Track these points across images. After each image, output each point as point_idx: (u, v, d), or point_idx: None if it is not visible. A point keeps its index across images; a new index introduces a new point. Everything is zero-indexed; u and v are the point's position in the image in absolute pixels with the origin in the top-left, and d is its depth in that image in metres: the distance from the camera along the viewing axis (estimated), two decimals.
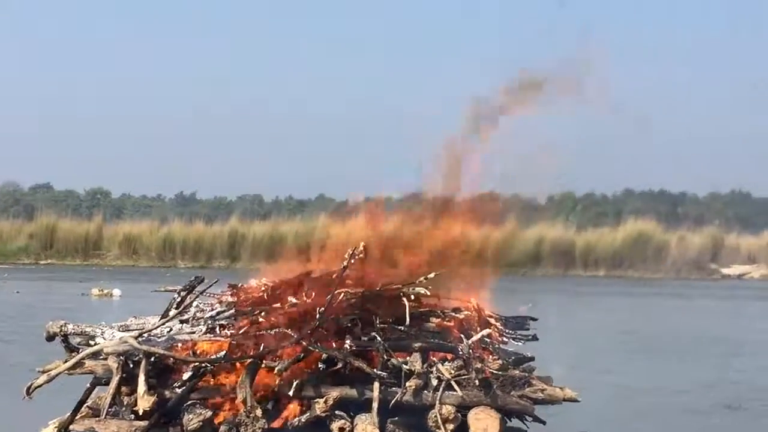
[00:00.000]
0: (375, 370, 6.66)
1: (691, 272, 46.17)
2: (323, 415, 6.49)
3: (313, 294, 7.19)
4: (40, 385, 6.74)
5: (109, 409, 6.70)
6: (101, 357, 6.84)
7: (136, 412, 6.65)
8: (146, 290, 13.80)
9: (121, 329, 7.25)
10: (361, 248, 7.67)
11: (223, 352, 6.77)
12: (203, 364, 6.72)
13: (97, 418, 6.75)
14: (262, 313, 7.11)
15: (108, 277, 34.24)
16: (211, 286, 7.53)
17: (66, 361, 6.89)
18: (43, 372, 6.83)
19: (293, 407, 6.68)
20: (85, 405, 6.92)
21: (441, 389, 6.69)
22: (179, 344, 6.95)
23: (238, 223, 50.53)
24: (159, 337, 6.94)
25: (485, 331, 7.19)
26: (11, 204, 62.92)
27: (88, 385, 6.94)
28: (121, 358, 6.70)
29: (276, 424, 6.61)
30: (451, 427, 6.65)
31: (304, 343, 6.65)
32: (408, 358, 6.85)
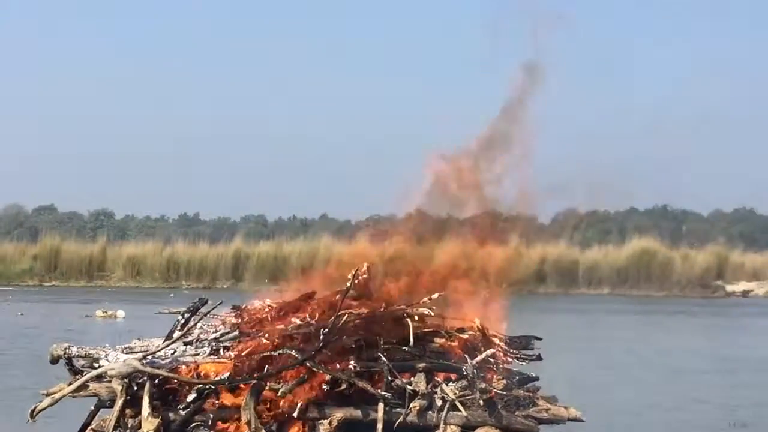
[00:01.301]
0: (379, 390, 6.64)
1: (695, 290, 46.08)
2: None
3: (317, 315, 7.18)
4: (43, 408, 6.73)
5: None
6: (105, 379, 6.81)
7: None
8: (150, 311, 13.80)
9: (125, 351, 7.23)
10: (365, 269, 7.68)
11: (227, 374, 6.75)
12: (207, 386, 6.70)
13: None
14: (266, 335, 7.10)
15: (112, 299, 34.22)
16: (215, 307, 7.52)
17: (70, 384, 6.87)
18: (47, 395, 6.82)
19: (298, 429, 6.66)
20: (89, 428, 6.90)
21: (445, 410, 6.68)
22: (183, 366, 6.93)
23: (242, 243, 50.50)
24: (163, 359, 6.93)
25: (489, 351, 7.18)
26: (15, 226, 62.93)
27: (92, 407, 6.92)
28: (126, 380, 6.68)
29: None
30: None
31: (308, 365, 6.63)
32: (412, 378, 6.84)
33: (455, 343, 7.30)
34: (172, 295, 8.45)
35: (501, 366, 7.26)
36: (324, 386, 6.69)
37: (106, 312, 27.11)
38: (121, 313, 26.89)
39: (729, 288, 46.53)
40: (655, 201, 59.41)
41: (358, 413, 6.66)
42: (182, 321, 7.43)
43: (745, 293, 45.90)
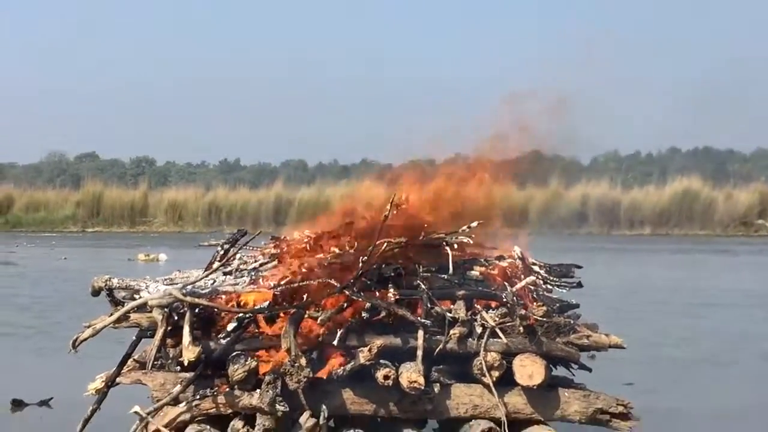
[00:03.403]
0: (419, 318, 6.63)
1: (737, 228, 45.79)
2: (368, 363, 6.46)
3: (356, 244, 7.17)
4: (85, 339, 6.76)
5: (155, 362, 6.70)
6: (146, 310, 6.84)
7: (181, 364, 6.66)
8: (192, 255, 13.90)
9: (165, 283, 7.26)
10: (404, 198, 7.65)
11: (267, 303, 6.76)
12: (247, 315, 6.72)
13: (143, 371, 6.77)
14: (305, 264, 7.10)
15: (154, 243, 34.52)
16: (253, 238, 7.53)
17: (111, 315, 6.90)
18: (89, 326, 6.85)
19: (338, 356, 6.67)
20: (131, 358, 6.94)
21: (485, 337, 6.64)
22: (223, 296, 6.95)
23: (283, 188, 50.60)
24: (203, 289, 6.94)
25: (529, 279, 7.15)
26: (57, 174, 63.43)
27: (134, 338, 6.96)
28: (166, 310, 6.69)
29: (321, 373, 6.60)
30: (496, 374, 6.61)
31: (347, 293, 6.63)
32: (452, 306, 6.81)
33: (495, 271, 7.27)
34: (212, 240, 8.49)
35: (541, 293, 7.23)
36: (363, 314, 6.67)
37: (148, 255, 27.37)
38: (163, 257, 27.14)
39: None
40: (697, 142, 58.90)
41: (397, 341, 6.65)
42: (221, 252, 7.45)
43: None
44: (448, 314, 6.71)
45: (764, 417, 9.44)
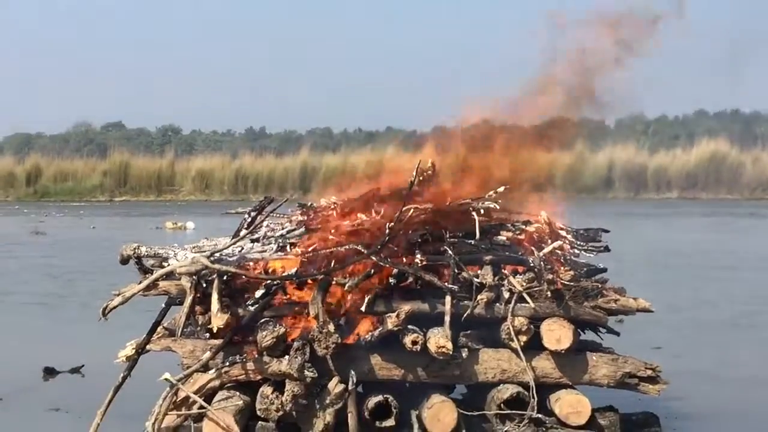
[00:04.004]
0: (446, 284, 6.64)
1: (766, 192, 45.52)
2: (396, 329, 6.48)
3: (382, 210, 7.18)
4: (115, 307, 6.80)
5: (184, 329, 6.74)
6: (175, 277, 6.87)
7: (210, 331, 6.70)
8: (219, 223, 13.97)
9: (193, 250, 7.29)
10: (430, 165, 7.66)
11: (295, 270, 6.78)
12: (275, 282, 6.75)
13: (173, 338, 6.82)
14: (332, 230, 7.11)
15: (181, 212, 34.64)
16: (280, 205, 7.54)
17: (140, 283, 6.94)
18: (118, 294, 6.90)
19: (366, 323, 6.69)
20: (160, 326, 6.99)
21: (513, 302, 6.65)
22: (251, 263, 6.98)
23: (309, 156, 50.61)
24: (231, 257, 6.97)
25: (556, 243, 7.13)
26: (85, 143, 63.63)
27: (163, 305, 7.00)
28: (194, 277, 6.72)
29: (349, 339, 6.63)
30: (524, 338, 6.62)
31: (374, 259, 6.64)
32: (479, 271, 6.82)
33: (522, 236, 7.26)
34: (240, 208, 8.53)
35: (568, 258, 7.22)
36: (391, 280, 6.69)
37: (175, 224, 27.49)
38: (190, 225, 27.25)
39: None
40: (725, 105, 58.43)
41: (425, 306, 6.67)
42: (249, 219, 7.47)
43: None
44: (476, 279, 6.71)
45: None
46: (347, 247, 6.83)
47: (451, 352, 6.43)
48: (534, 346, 6.66)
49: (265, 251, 7.11)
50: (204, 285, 6.77)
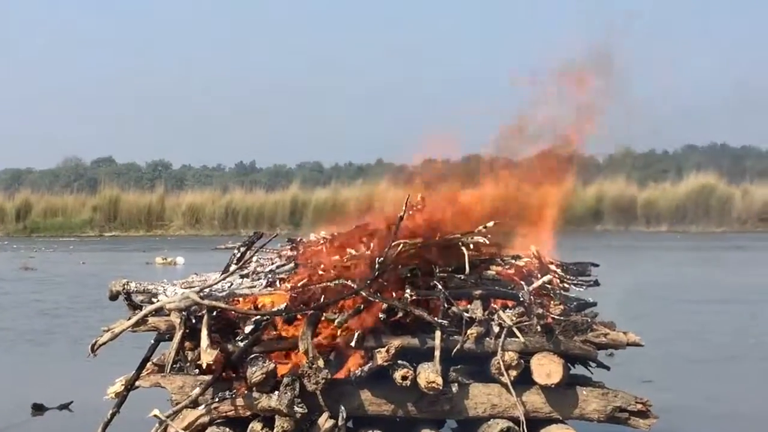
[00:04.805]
0: (436, 318, 6.64)
1: (756, 225, 45.64)
2: (385, 364, 6.47)
3: (372, 245, 7.18)
4: (104, 343, 6.79)
5: (174, 365, 6.72)
6: (164, 313, 6.86)
7: (200, 367, 6.68)
8: (210, 258, 13.95)
9: (183, 286, 7.29)
10: (419, 198, 7.66)
11: (284, 305, 6.78)
12: (265, 317, 6.74)
13: (162, 374, 6.80)
14: (322, 266, 7.11)
15: (171, 247, 34.61)
16: (270, 240, 7.55)
17: (129, 318, 6.93)
18: (108, 330, 6.88)
19: (355, 358, 6.68)
20: (150, 362, 6.97)
21: (503, 336, 6.65)
22: (240, 298, 6.97)
23: (299, 189, 50.63)
24: (220, 292, 6.97)
25: (546, 278, 7.15)
26: (74, 178, 63.64)
27: (152, 341, 6.99)
28: (184, 313, 6.71)
29: (339, 374, 6.62)
30: (514, 373, 6.62)
31: (364, 294, 6.64)
32: (469, 305, 6.82)
33: (511, 270, 7.28)
34: (230, 242, 8.54)
35: (558, 292, 7.23)
36: (380, 315, 6.68)
37: (165, 259, 27.43)
38: (180, 260, 27.19)
39: None
40: (713, 138, 58.64)
41: (415, 341, 6.66)
42: (238, 254, 7.47)
43: None
44: (465, 314, 6.72)
45: None
46: (337, 282, 6.82)
47: (441, 387, 6.42)
48: (524, 380, 6.65)
49: (254, 286, 7.12)
50: (193, 320, 6.76)
